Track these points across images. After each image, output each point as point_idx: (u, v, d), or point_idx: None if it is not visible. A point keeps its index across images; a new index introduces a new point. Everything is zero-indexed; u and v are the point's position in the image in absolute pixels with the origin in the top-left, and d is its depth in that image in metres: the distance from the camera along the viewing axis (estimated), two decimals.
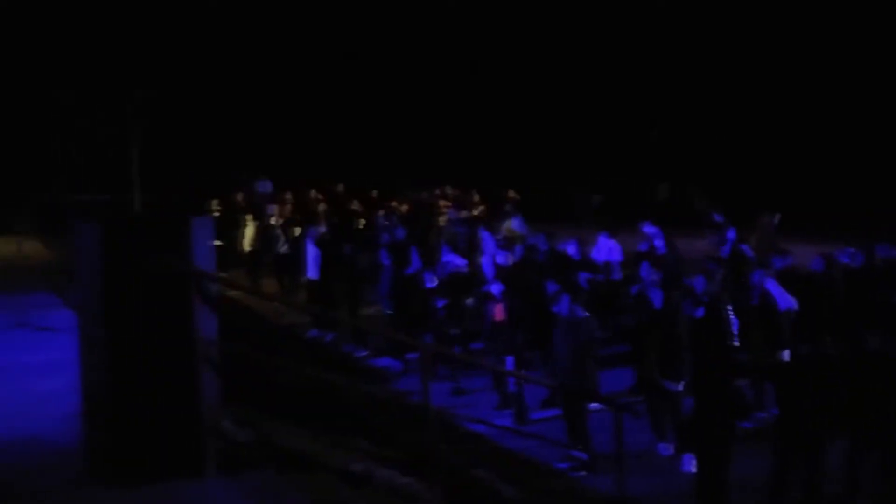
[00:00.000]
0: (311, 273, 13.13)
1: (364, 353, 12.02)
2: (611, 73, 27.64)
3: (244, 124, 28.64)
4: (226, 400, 6.00)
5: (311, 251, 13.15)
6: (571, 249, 11.88)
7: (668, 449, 8.54)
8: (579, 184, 25.75)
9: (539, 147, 28.69)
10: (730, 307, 8.92)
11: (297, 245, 14.17)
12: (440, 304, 10.98)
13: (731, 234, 12.02)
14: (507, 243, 12.61)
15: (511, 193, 17.44)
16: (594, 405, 8.51)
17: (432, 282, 11.14)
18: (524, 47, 28.88)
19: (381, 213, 16.18)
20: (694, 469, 7.64)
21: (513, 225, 15.27)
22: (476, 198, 18.17)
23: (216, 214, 15.70)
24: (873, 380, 7.14)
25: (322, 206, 17.27)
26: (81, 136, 23.37)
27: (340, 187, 19.82)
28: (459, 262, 11.99)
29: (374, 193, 19.20)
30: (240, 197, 17.29)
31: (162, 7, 26.62)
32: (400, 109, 29.95)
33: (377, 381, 10.74)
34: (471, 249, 13.51)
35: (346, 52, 29.72)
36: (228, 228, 15.54)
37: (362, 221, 16.13)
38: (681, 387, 8.42)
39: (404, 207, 17.55)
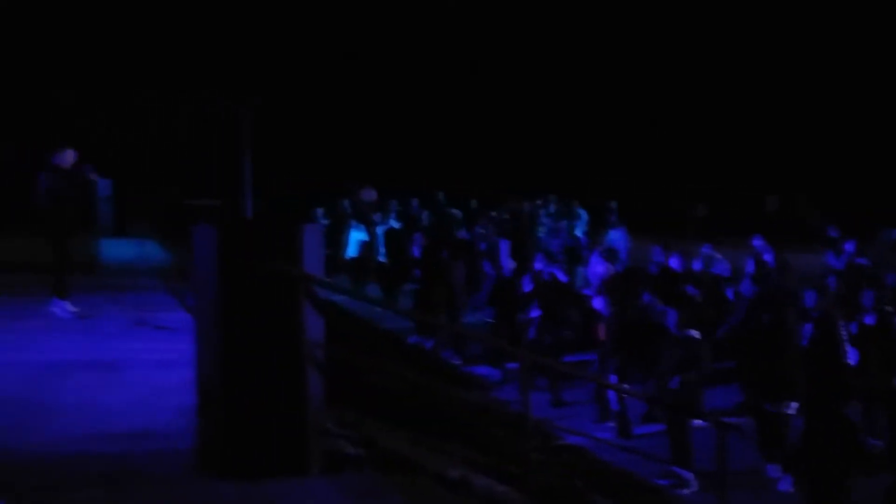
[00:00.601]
0: (413, 279, 13.34)
1: (462, 361, 12.11)
2: (718, 82, 26.98)
3: (350, 133, 29.25)
4: (329, 401, 6.16)
5: (413, 258, 13.36)
6: (674, 262, 11.67)
7: (775, 471, 8.26)
8: (684, 194, 25.20)
9: (644, 157, 28.25)
10: (843, 325, 8.56)
11: (399, 252, 14.42)
12: (534, 314, 10.93)
13: (849, 247, 11.55)
14: (608, 254, 12.48)
15: (614, 204, 17.25)
16: (699, 422, 8.32)
17: (529, 285, 11.10)
18: (630, 57, 28.52)
19: (481, 221, 16.28)
20: (791, 488, 7.38)
21: (615, 236, 15.10)
22: (577, 208, 18.05)
23: (323, 221, 16.14)
24: None
25: (424, 215, 17.49)
26: (195, 140, 24.34)
27: (441, 195, 20.00)
28: (555, 271, 11.94)
29: (474, 203, 19.30)
30: (346, 204, 17.70)
31: (273, 15, 27.53)
32: (505, 118, 30.01)
33: (475, 388, 10.79)
34: (570, 260, 13.44)
35: (451, 61, 30.00)
36: (335, 235, 15.94)
37: (463, 230, 16.26)
38: (791, 409, 8.13)
39: (506, 216, 17.61)
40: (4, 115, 19.87)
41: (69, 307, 10.62)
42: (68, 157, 10.48)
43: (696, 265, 12.34)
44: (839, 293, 9.77)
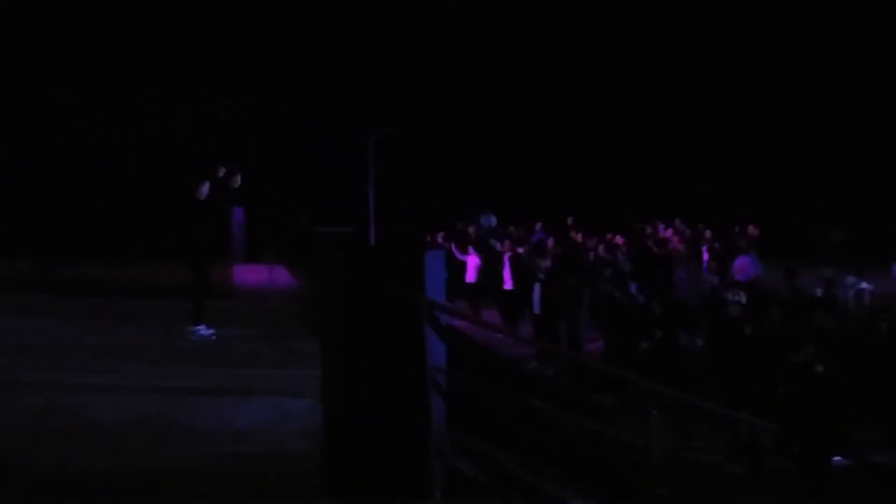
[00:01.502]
0: (535, 306, 13.27)
1: (582, 389, 11.89)
2: (854, 100, 25.73)
3: (471, 159, 29.44)
4: (451, 426, 6.18)
5: (536, 284, 13.29)
6: (817, 291, 11.16)
7: None
8: (819, 218, 24.01)
9: (778, 179, 27.16)
10: None
11: (521, 278, 14.37)
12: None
13: None
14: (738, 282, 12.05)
15: (751, 229, 16.66)
16: (839, 459, 7.86)
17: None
18: (764, 74, 27.61)
19: (604, 246, 16.03)
20: None
21: (744, 263, 14.54)
22: (707, 233, 17.52)
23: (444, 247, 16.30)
24: None
25: (550, 241, 17.36)
26: (323, 169, 25.01)
27: (570, 220, 19.79)
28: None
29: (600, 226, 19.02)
30: (469, 230, 17.82)
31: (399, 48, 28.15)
32: (631, 141, 29.55)
33: (597, 417, 10.56)
34: (696, 286, 13.04)
35: (575, 88, 29.84)
36: (455, 261, 16.06)
37: (587, 255, 16.04)
38: None
39: (627, 241, 17.28)
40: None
41: (206, 331, 11.14)
42: (204, 189, 11.13)
43: (843, 293, 11.67)
44: None
